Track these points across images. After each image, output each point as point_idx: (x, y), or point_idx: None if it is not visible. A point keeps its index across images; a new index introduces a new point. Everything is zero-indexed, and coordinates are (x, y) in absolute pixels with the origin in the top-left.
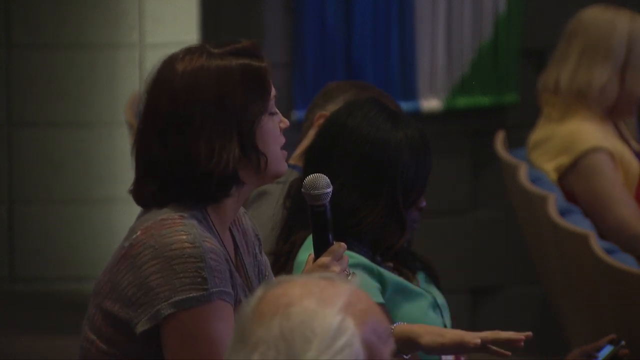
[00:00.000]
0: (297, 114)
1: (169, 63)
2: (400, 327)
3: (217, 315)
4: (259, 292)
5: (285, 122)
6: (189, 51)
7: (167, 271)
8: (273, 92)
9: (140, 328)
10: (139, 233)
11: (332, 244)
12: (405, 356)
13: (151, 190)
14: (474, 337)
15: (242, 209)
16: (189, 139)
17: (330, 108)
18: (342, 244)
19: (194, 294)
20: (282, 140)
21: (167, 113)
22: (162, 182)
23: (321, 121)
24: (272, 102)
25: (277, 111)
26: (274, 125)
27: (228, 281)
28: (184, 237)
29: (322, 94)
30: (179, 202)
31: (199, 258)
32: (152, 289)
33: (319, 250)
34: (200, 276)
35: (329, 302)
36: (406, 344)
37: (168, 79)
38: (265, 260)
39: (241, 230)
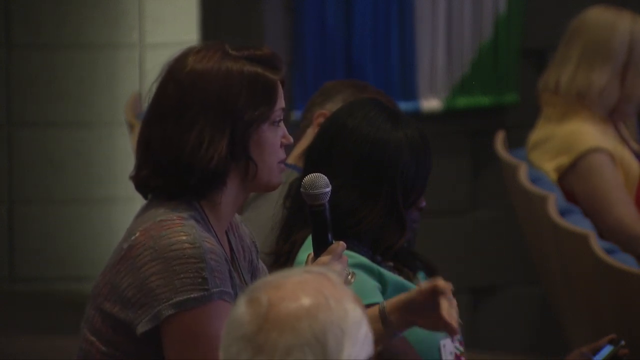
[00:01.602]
0: (297, 114)
1: (184, 55)
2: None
3: (218, 315)
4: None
5: (289, 139)
6: (206, 47)
7: (167, 272)
8: (281, 104)
9: (141, 329)
10: (137, 234)
11: (332, 243)
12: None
13: (145, 175)
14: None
15: (238, 218)
16: (182, 128)
17: (329, 107)
18: (342, 242)
19: (195, 295)
20: (282, 155)
21: (169, 102)
22: (154, 168)
23: (321, 120)
24: (277, 113)
25: (283, 126)
26: (274, 137)
27: (228, 281)
28: (184, 237)
29: (320, 93)
30: (173, 200)
31: (199, 258)
32: (153, 290)
33: (319, 250)
34: (200, 276)
35: (340, 297)
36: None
37: (177, 69)
38: (262, 267)
39: (237, 236)
